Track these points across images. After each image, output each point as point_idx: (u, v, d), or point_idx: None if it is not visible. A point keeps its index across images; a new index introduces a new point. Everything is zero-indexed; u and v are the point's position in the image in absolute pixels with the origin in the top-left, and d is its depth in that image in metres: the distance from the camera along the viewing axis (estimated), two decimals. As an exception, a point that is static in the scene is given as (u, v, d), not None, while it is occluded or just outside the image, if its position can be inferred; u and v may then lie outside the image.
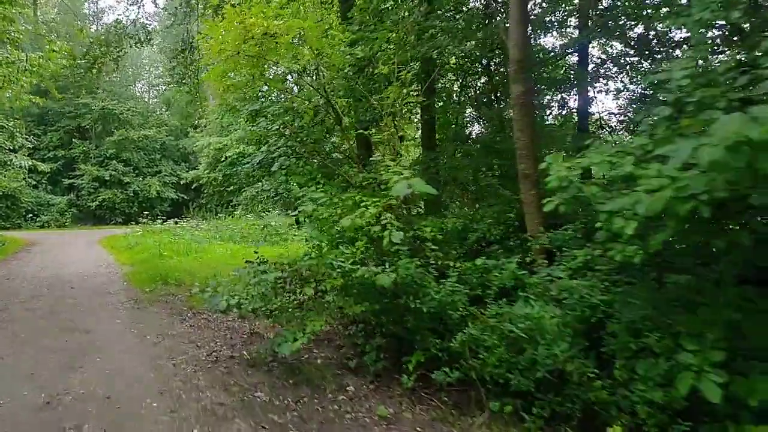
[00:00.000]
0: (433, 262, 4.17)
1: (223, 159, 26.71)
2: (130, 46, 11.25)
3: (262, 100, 10.44)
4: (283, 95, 7.81)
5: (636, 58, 9.59)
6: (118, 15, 12.46)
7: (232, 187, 27.89)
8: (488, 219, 4.57)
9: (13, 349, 5.37)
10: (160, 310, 7.17)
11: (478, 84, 10.01)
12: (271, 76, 6.77)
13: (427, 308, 3.83)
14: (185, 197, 35.35)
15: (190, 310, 7.13)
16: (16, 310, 7.14)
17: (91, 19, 39.70)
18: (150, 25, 14.37)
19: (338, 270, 4.10)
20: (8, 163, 15.79)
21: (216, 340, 5.73)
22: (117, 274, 10.74)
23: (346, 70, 5.65)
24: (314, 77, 6.18)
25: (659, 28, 8.89)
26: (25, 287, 9.01)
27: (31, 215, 30.30)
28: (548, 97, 10.47)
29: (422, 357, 4.15)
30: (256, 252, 10.27)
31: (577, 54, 10.24)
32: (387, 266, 4.04)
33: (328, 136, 6.75)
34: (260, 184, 21.31)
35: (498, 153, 6.19)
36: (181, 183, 32.12)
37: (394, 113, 5.18)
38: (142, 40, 11.38)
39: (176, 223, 22.68)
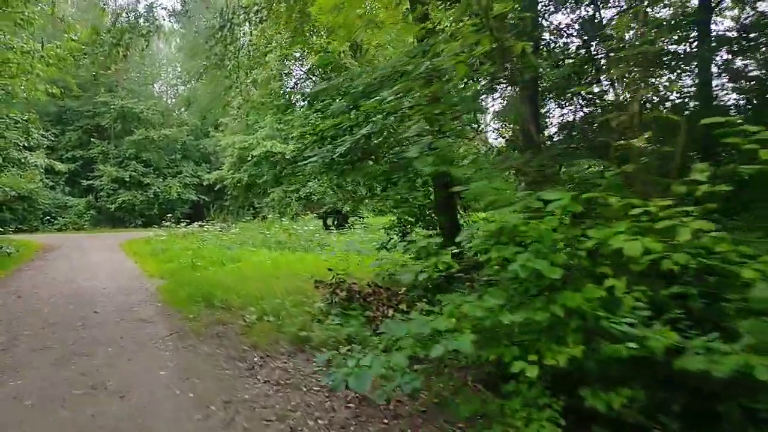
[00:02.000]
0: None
1: (249, 158, 24.94)
2: (164, 19, 9.35)
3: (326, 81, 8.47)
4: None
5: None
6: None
7: (257, 188, 26.13)
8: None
9: (12, 429, 3.46)
10: (214, 350, 5.21)
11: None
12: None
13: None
14: (206, 199, 33.65)
15: (255, 351, 5.17)
16: (23, 350, 5.22)
17: (111, 16, 37.99)
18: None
19: (625, 341, 2.12)
20: (23, 161, 13.92)
21: (313, 413, 3.75)
22: (147, 290, 8.83)
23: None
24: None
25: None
26: (36, 310, 7.11)
27: (48, 218, 28.66)
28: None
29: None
30: (330, 270, 8.36)
31: (695, 27, 8.20)
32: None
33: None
34: (311, 184, 19.45)
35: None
36: (203, 184, 30.33)
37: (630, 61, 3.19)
38: (176, 11, 9.51)
39: (201, 226, 20.83)
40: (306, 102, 8.01)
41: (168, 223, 21.21)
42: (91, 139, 31.85)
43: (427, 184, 8.49)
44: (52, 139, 16.97)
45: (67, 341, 5.48)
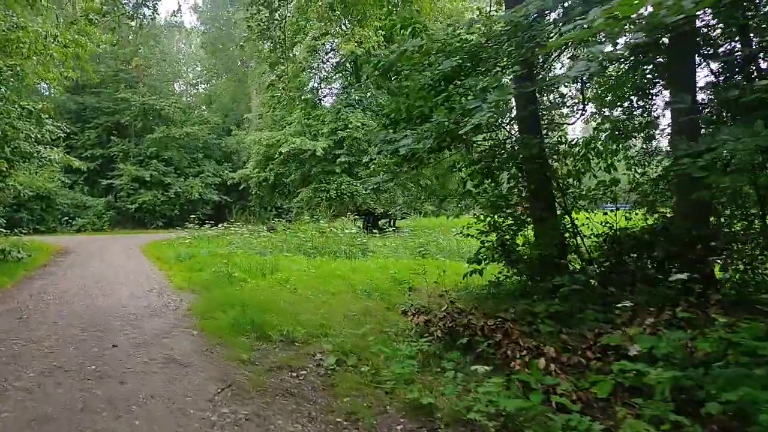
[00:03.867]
0: None
1: (276, 156, 23.17)
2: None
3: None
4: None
5: None
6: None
7: (284, 188, 24.38)
8: None
9: None
10: (293, 424, 3.38)
11: None
12: None
13: None
14: (228, 199, 32.07)
15: (353, 425, 3.34)
16: (7, 422, 3.44)
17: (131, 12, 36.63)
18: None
19: None
20: (34, 155, 12.28)
21: None
22: (178, 309, 7.06)
23: None
24: None
25: None
26: (39, 342, 5.35)
27: (66, 218, 27.22)
28: None
29: None
30: (446, 297, 6.41)
31: None
32: None
33: None
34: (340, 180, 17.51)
35: None
36: (227, 184, 28.62)
37: None
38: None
39: (227, 228, 19.13)
40: (378, 73, 6.09)
41: (191, 225, 19.55)
42: (111, 137, 30.42)
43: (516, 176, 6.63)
44: (68, 130, 15.29)
45: (74, 405, 3.68)
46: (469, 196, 6.59)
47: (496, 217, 6.55)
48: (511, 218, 6.47)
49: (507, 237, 6.40)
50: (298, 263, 11.42)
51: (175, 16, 39.21)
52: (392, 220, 25.07)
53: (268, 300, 6.98)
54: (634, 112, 7.24)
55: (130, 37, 33.55)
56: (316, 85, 25.02)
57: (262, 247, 14.78)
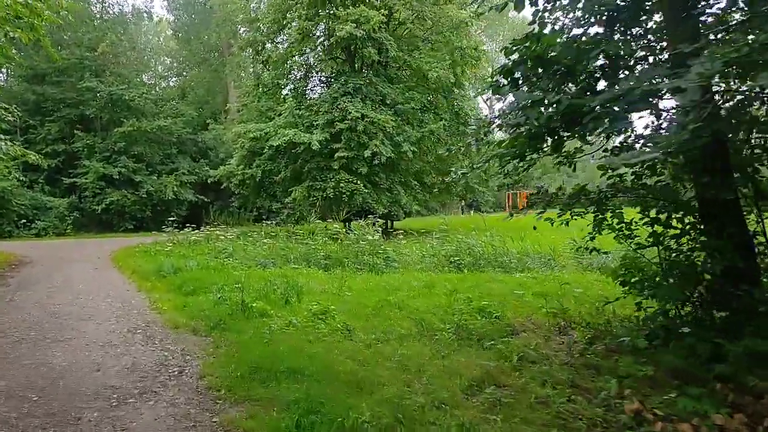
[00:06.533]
0: None
1: (264, 150, 20.27)
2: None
3: None
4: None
5: None
6: None
7: (276, 187, 21.56)
8: None
9: None
10: None
11: None
12: None
13: None
14: (204, 199, 28.95)
15: None
16: None
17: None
18: None
19: None
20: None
21: None
22: (183, 374, 4.41)
23: None
24: None
25: None
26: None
27: (24, 221, 23.63)
28: None
29: None
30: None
31: None
32: None
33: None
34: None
35: None
36: (207, 182, 25.36)
37: None
38: None
39: (210, 232, 16.25)
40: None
41: (169, 228, 16.54)
42: (75, 131, 26.75)
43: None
44: (19, 114, 12.23)
45: None
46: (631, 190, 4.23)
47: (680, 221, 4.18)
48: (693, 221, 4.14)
49: (704, 256, 4.03)
50: (318, 280, 8.90)
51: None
52: (391, 222, 22.65)
53: (324, 357, 4.46)
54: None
55: (96, 23, 29.98)
56: (304, 73, 22.36)
57: (261, 256, 12.09)
